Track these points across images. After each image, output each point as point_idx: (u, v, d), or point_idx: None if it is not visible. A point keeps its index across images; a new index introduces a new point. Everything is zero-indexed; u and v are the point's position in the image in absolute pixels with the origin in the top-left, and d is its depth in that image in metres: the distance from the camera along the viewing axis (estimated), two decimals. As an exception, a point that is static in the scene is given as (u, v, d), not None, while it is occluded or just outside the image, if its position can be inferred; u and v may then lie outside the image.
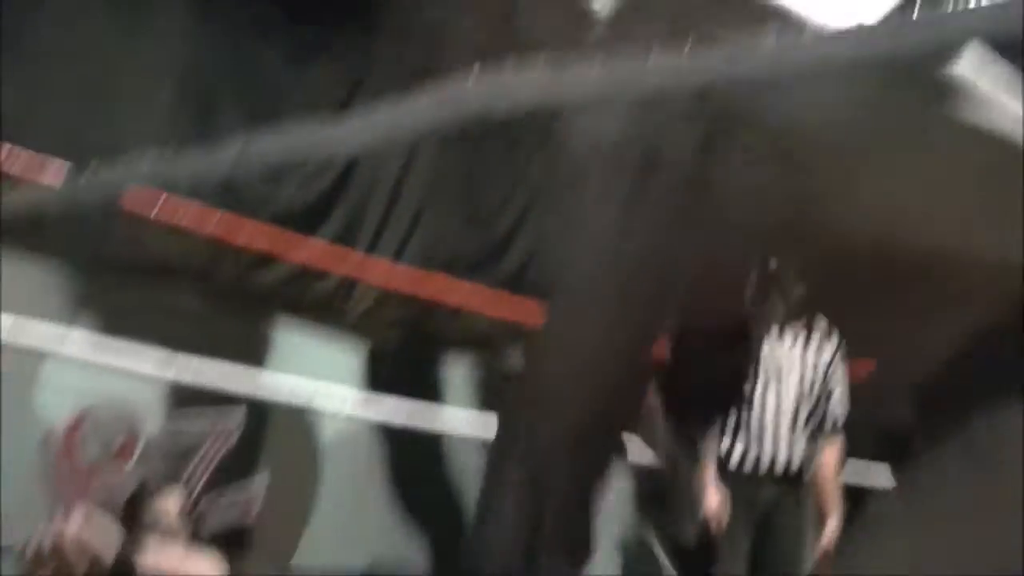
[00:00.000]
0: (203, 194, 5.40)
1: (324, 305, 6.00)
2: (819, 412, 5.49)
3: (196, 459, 5.85)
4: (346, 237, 5.98)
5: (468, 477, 6.55)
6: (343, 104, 6.03)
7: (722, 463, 5.43)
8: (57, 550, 3.86)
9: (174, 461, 5.59)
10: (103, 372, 5.10)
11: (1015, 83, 3.93)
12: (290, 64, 5.90)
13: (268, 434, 5.99)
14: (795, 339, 5.43)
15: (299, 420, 5.96)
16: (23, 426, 5.24)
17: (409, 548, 6.19)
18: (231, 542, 4.46)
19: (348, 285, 6.04)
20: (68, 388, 5.29)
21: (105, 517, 4.17)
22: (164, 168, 2.20)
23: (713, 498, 5.32)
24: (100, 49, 5.42)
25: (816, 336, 5.46)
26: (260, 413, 5.92)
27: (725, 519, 5.33)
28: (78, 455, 5.41)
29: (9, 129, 5.01)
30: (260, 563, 4.07)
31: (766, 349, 5.42)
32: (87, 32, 5.36)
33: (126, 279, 5.45)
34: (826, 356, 5.46)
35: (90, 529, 3.97)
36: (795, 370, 5.44)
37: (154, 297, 5.48)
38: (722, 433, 5.44)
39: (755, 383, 5.44)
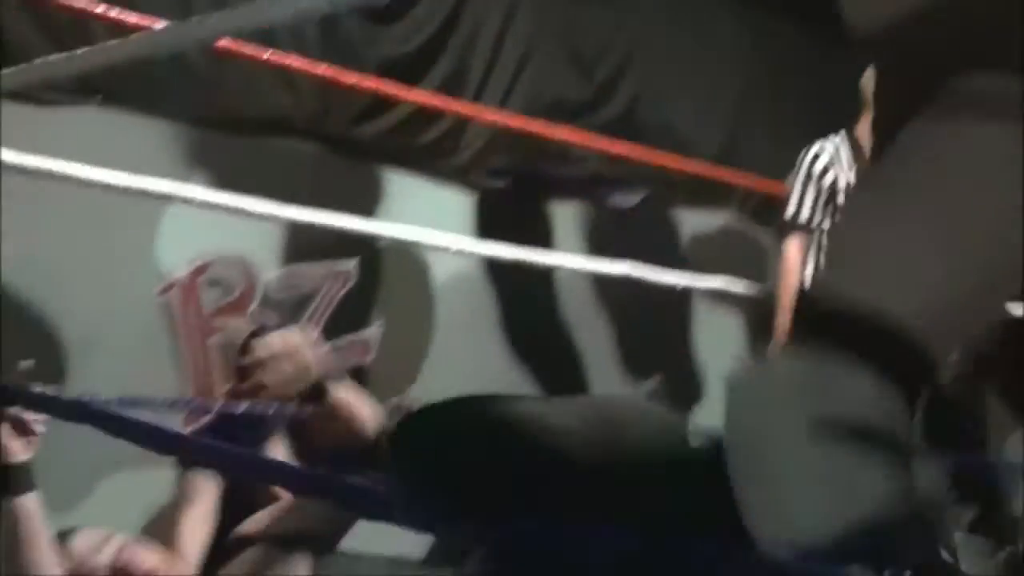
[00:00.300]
0: (308, 46, 5.49)
1: (434, 151, 6.09)
2: None
3: (313, 304, 6.05)
4: (452, 85, 6.05)
5: (576, 316, 6.77)
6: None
7: None
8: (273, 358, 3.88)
9: (292, 306, 5.79)
10: (220, 224, 5.24)
11: None
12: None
13: (382, 280, 6.15)
14: None
15: (412, 265, 6.10)
16: (145, 278, 5.50)
17: (523, 385, 6.35)
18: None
19: (457, 130, 6.12)
20: (187, 240, 5.52)
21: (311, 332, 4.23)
22: (260, 14, 2.18)
23: None
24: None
25: None
26: (373, 260, 6.09)
27: None
28: (199, 302, 5.63)
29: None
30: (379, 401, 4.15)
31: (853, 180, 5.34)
32: None
33: (237, 132, 5.57)
34: None
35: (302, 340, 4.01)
36: None
37: (266, 149, 5.63)
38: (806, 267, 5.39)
39: None
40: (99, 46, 2.40)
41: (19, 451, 3.16)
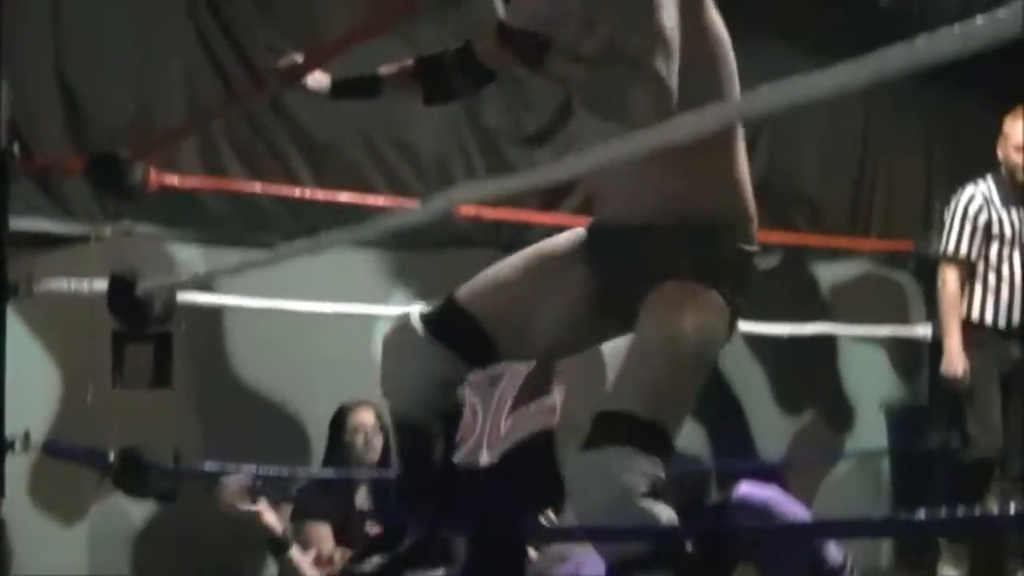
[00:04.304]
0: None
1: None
2: None
3: (503, 381, 7.12)
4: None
5: (733, 361, 7.48)
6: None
7: (974, 324, 5.98)
8: None
9: (485, 385, 6.86)
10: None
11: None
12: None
13: (559, 354, 7.10)
14: None
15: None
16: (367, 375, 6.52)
17: (689, 429, 7.10)
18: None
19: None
20: None
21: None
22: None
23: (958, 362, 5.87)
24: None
25: None
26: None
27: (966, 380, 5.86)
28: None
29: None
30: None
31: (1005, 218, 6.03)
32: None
33: (429, 249, 6.50)
34: None
35: None
36: None
37: (453, 261, 6.19)
38: (971, 296, 6.02)
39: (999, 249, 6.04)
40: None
41: (278, 525, 4.48)
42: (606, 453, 2.63)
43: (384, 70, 3.32)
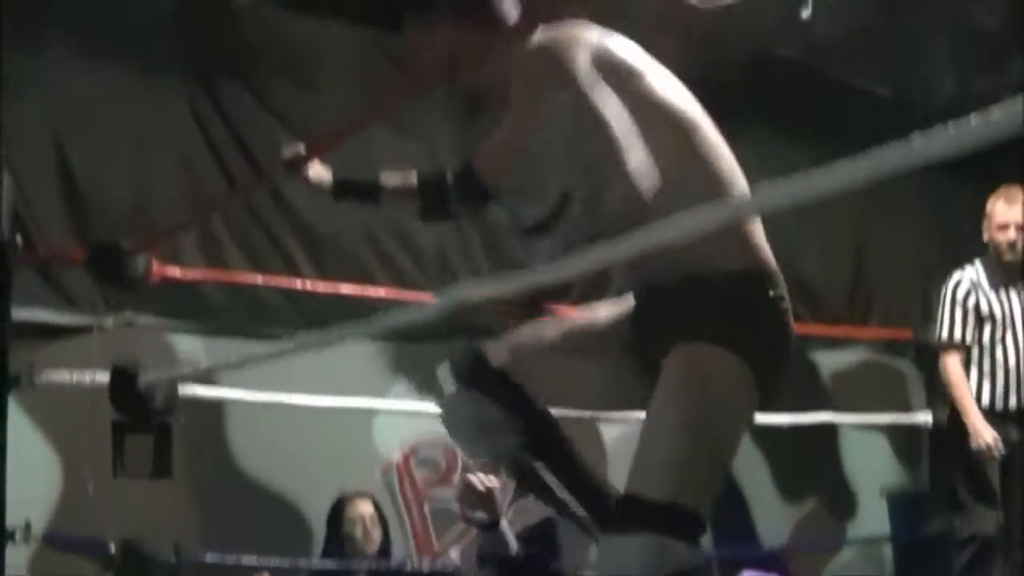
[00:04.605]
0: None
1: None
2: None
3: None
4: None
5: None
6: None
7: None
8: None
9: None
10: (422, 413, 6.30)
11: None
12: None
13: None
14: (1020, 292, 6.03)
15: (587, 430, 6.74)
16: (367, 463, 6.55)
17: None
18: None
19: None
20: (397, 430, 6.57)
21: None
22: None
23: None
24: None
25: None
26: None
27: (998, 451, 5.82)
28: (413, 478, 6.83)
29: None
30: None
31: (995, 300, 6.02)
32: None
33: (429, 340, 6.29)
34: None
35: None
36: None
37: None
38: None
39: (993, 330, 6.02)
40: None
41: None
42: (633, 539, 2.62)
43: (386, 179, 3.27)
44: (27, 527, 4.08)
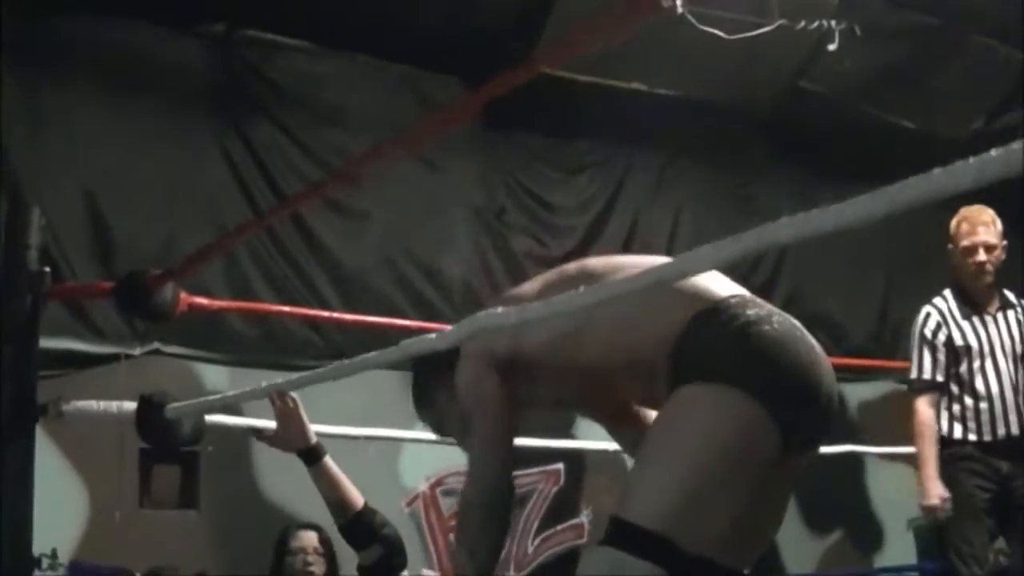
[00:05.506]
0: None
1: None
2: None
3: (531, 501, 7.22)
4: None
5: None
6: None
7: (955, 442, 5.58)
8: None
9: (515, 508, 6.95)
10: (449, 447, 6.37)
11: None
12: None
13: (586, 475, 7.20)
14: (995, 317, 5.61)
15: (610, 460, 6.61)
16: (393, 494, 6.59)
17: None
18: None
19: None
20: (423, 461, 6.65)
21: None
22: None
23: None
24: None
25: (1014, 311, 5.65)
26: (576, 460, 7.17)
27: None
28: (439, 509, 6.85)
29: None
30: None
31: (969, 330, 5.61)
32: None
33: None
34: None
35: None
36: (1004, 343, 5.61)
37: None
38: (950, 417, 5.59)
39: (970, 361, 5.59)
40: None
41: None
42: (597, 550, 2.63)
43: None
44: (53, 554, 4.11)
